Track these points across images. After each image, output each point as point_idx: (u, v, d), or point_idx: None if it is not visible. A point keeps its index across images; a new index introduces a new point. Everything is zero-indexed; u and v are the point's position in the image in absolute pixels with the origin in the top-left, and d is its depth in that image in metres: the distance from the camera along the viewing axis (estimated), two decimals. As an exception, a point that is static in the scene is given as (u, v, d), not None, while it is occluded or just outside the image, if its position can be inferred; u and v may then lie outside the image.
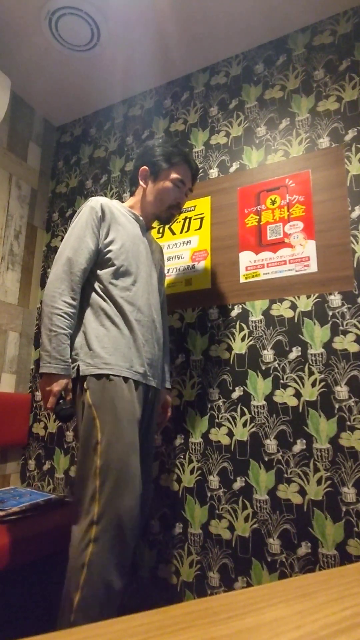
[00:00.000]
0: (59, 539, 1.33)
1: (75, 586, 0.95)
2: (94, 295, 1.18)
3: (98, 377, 1.09)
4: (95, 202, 1.23)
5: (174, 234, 1.84)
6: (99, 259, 1.20)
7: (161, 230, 1.89)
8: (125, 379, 1.11)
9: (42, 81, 2.09)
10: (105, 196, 2.10)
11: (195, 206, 1.82)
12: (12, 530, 1.25)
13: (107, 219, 1.22)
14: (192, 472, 1.53)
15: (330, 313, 1.43)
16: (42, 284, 2.17)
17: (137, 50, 1.89)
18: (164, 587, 1.48)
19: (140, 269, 1.25)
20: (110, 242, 1.21)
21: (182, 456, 1.57)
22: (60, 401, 1.08)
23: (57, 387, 1.07)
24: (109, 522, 0.98)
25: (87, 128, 2.29)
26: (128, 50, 1.89)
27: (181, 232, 1.82)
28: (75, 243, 1.16)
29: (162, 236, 1.88)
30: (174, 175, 1.31)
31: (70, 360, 1.10)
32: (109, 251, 1.20)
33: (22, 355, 2.04)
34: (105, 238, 1.21)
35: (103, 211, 1.22)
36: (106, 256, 1.20)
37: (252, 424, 1.47)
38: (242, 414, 1.50)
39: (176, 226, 1.85)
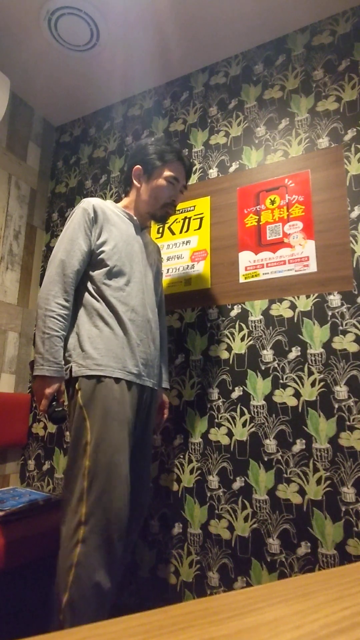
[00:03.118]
0: (58, 539, 1.32)
1: (64, 587, 0.96)
2: (87, 296, 1.18)
3: (89, 378, 1.10)
4: (87, 204, 1.23)
5: (173, 233, 1.84)
6: (92, 259, 1.21)
7: (160, 230, 1.89)
8: (117, 380, 1.12)
9: (42, 81, 2.09)
10: (105, 196, 2.10)
11: (194, 206, 1.82)
12: (11, 530, 1.25)
13: (99, 219, 1.22)
14: (191, 472, 1.53)
15: (330, 313, 1.43)
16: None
17: (136, 50, 1.89)
18: (164, 587, 1.48)
19: (134, 268, 1.25)
20: (103, 243, 1.21)
21: (181, 456, 1.57)
22: (53, 403, 1.09)
23: (49, 389, 1.08)
24: (96, 522, 0.99)
25: (87, 128, 2.29)
26: (127, 50, 1.89)
27: (181, 232, 1.82)
28: (68, 245, 1.17)
29: (161, 236, 1.88)
30: (167, 173, 1.31)
31: (63, 363, 1.10)
32: (102, 252, 1.20)
33: (21, 355, 2.04)
34: (98, 239, 1.21)
35: (95, 212, 1.22)
36: (99, 257, 1.20)
37: (252, 424, 1.47)
38: (242, 414, 1.50)
39: (176, 226, 1.85)
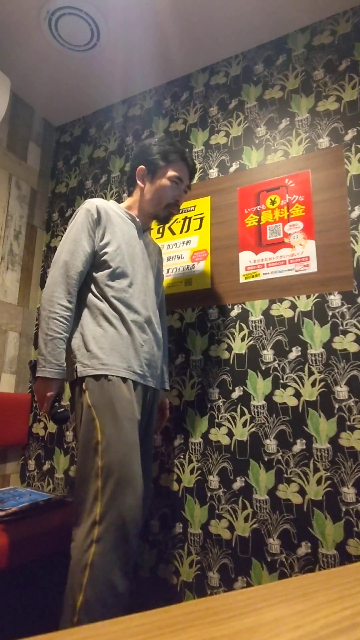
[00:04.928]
0: (58, 539, 1.33)
1: (78, 587, 0.94)
2: (90, 296, 1.18)
3: (96, 377, 1.10)
4: (91, 205, 1.23)
5: (173, 234, 1.84)
6: (95, 261, 1.21)
7: (161, 230, 1.89)
8: (124, 379, 1.12)
9: (42, 81, 2.09)
10: (105, 196, 2.10)
11: (195, 206, 1.82)
12: (11, 530, 1.25)
13: (102, 221, 1.22)
14: (192, 472, 1.53)
15: (330, 313, 1.43)
16: (42, 284, 2.17)
17: (136, 50, 1.89)
18: (164, 587, 1.48)
19: (136, 270, 1.25)
20: (106, 244, 1.21)
21: (182, 456, 1.57)
22: (55, 404, 1.10)
23: (51, 391, 1.08)
24: (111, 522, 0.98)
25: (87, 128, 2.29)
26: (128, 50, 1.89)
27: (181, 232, 1.82)
28: (72, 246, 1.17)
29: (162, 236, 1.88)
30: (171, 173, 1.31)
31: (64, 365, 1.10)
32: (105, 253, 1.20)
33: (21, 355, 2.04)
34: (101, 240, 1.21)
35: (99, 213, 1.22)
36: (102, 258, 1.20)
37: (252, 424, 1.47)
38: (242, 414, 1.50)
39: (176, 226, 1.85)
